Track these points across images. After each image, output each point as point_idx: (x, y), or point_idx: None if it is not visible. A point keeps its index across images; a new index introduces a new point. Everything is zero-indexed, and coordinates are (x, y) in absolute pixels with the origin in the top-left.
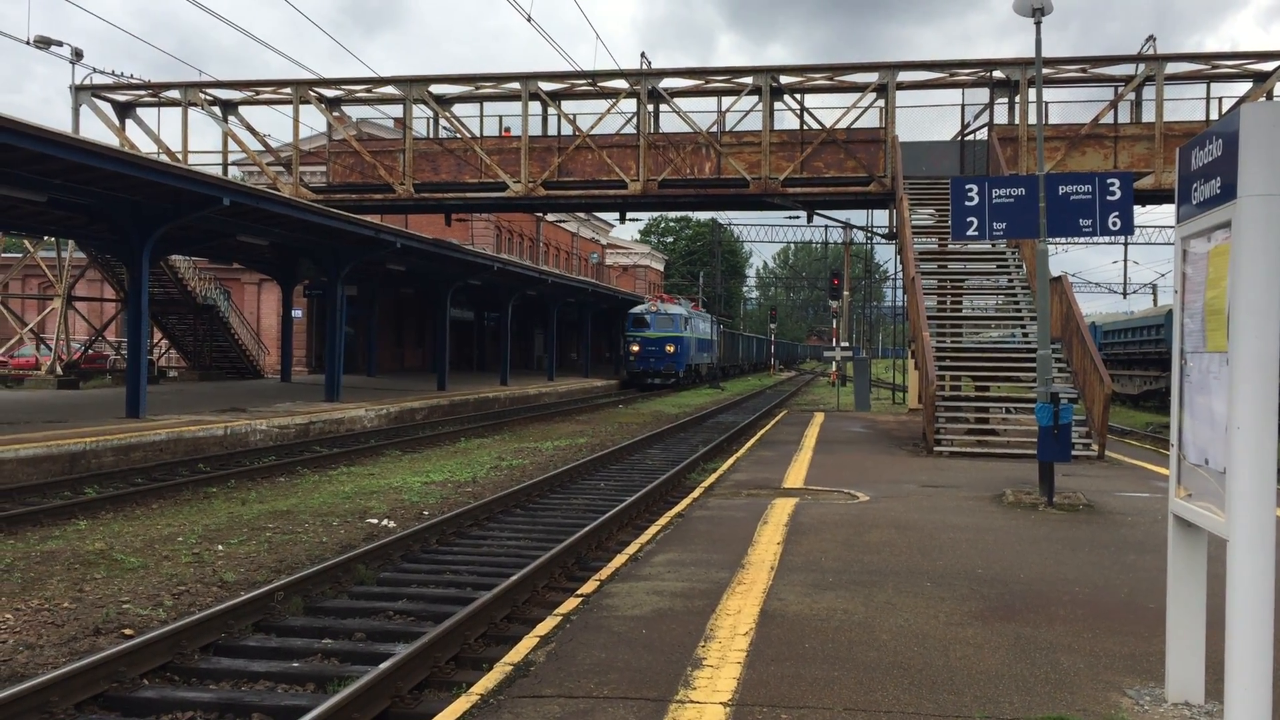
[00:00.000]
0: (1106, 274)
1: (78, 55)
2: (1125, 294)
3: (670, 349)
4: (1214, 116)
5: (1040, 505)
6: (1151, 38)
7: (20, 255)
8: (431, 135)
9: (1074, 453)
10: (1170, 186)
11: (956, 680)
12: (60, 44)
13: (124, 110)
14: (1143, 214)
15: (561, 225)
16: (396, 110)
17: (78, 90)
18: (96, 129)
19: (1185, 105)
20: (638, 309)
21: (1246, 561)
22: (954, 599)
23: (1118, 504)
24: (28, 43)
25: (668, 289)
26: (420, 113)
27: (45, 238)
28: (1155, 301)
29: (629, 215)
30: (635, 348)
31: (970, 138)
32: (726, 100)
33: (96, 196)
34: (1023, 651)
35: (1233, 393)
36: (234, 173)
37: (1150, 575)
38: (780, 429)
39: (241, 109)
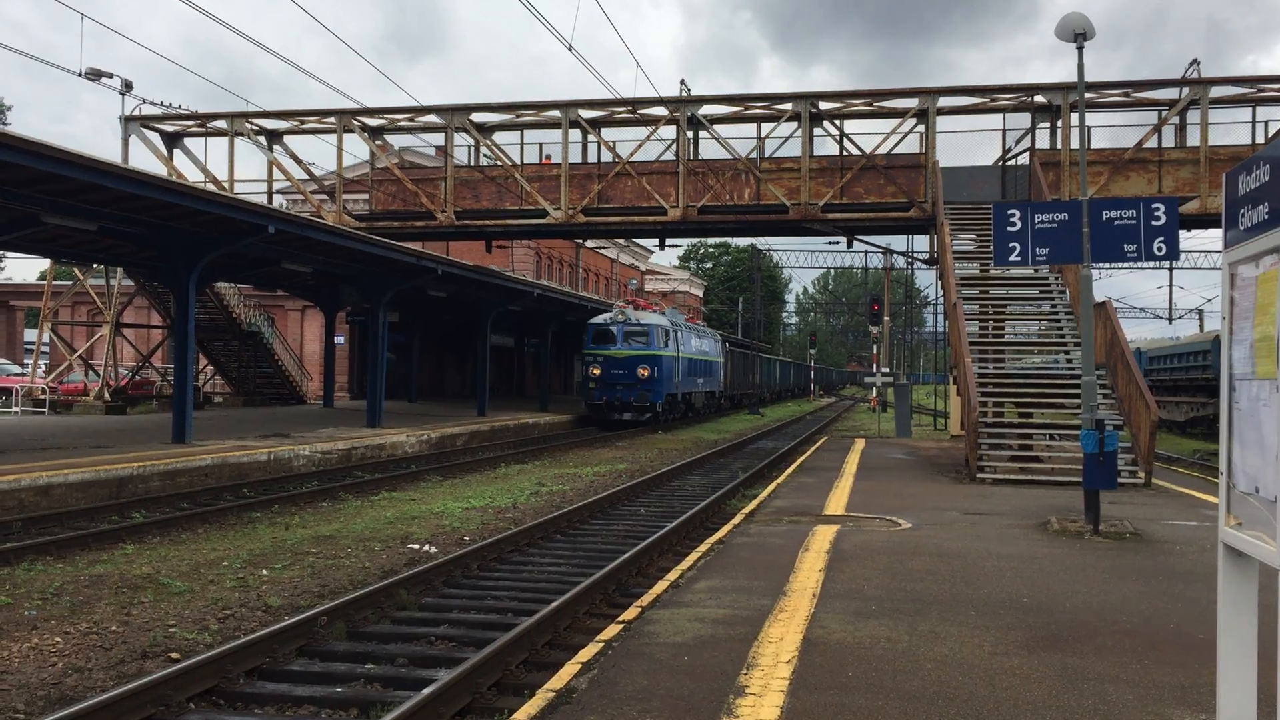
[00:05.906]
0: (1151, 299)
1: (127, 87)
2: (1171, 319)
3: (644, 372)
4: (1260, 140)
5: (1086, 533)
6: (1195, 61)
7: (70, 283)
8: (472, 163)
9: (1120, 480)
10: (1216, 211)
11: (1002, 710)
12: (110, 75)
13: (171, 140)
14: (1188, 238)
15: (601, 251)
16: (438, 138)
17: (127, 121)
18: (145, 158)
19: (1231, 129)
20: (599, 319)
21: None
22: (999, 628)
23: (1165, 532)
24: (79, 74)
25: (707, 315)
26: (461, 140)
27: (94, 265)
28: (1202, 327)
29: (668, 241)
30: (595, 370)
31: (1012, 163)
32: (766, 126)
33: (145, 225)
34: (1070, 682)
35: None
36: (279, 201)
37: (1199, 605)
38: (821, 455)
39: (286, 138)
